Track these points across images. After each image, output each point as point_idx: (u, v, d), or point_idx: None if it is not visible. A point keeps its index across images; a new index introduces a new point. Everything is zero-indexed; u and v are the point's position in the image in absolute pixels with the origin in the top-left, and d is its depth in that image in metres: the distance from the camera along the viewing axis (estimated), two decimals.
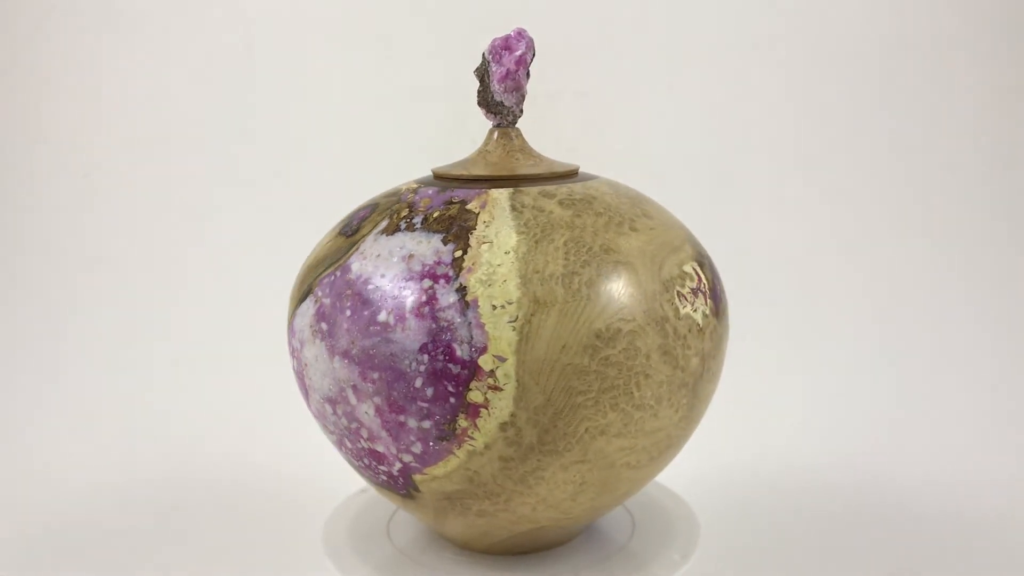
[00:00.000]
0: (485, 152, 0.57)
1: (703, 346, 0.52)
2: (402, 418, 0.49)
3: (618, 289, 0.49)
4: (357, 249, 0.52)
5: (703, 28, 0.99)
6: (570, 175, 0.57)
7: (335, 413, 0.52)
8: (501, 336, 0.47)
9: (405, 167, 0.61)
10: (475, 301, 0.48)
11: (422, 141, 0.91)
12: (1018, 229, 0.97)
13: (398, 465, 0.51)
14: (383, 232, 0.52)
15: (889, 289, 0.96)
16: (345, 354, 0.50)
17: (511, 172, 0.55)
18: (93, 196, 1.03)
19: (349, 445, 0.53)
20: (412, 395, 0.48)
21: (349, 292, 0.51)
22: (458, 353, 0.47)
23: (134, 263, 1.01)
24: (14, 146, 1.02)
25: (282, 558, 0.62)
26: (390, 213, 0.54)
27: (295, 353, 0.54)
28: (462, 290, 0.48)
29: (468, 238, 0.50)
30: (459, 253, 0.49)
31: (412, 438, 0.50)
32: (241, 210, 1.02)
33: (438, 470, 0.51)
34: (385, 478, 0.53)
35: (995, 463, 0.74)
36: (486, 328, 0.47)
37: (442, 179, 0.56)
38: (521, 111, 0.57)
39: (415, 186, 0.56)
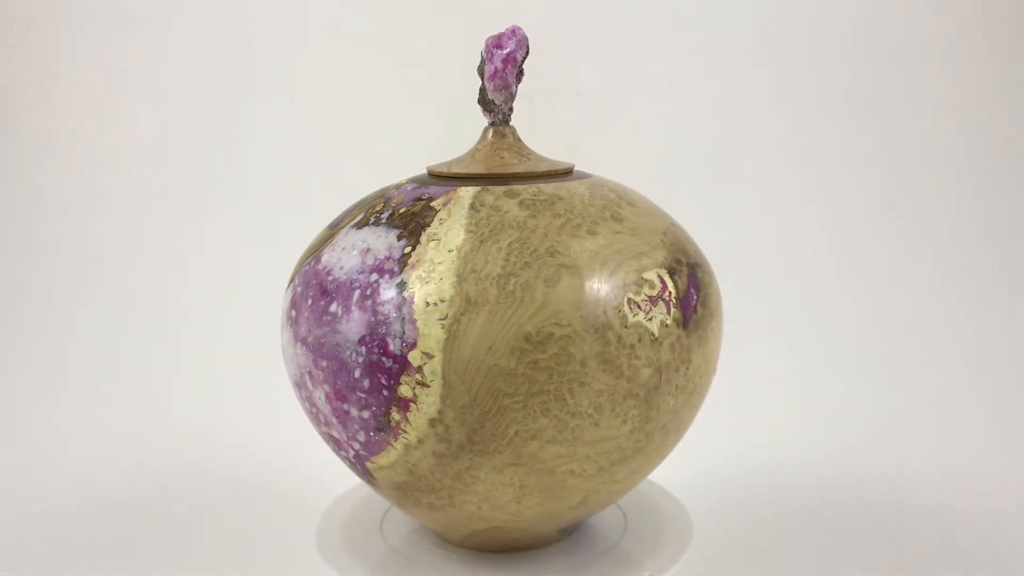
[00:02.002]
0: (475, 150, 0.58)
1: (658, 357, 0.50)
2: (346, 407, 0.51)
3: (555, 293, 0.48)
4: (331, 241, 0.55)
5: (704, 27, 0.98)
6: (555, 174, 0.56)
7: (300, 397, 0.55)
8: (430, 333, 0.48)
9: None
10: (411, 297, 0.48)
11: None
12: (1016, 227, 0.96)
13: (351, 452, 0.53)
14: (355, 226, 0.54)
15: (885, 289, 0.96)
16: (304, 341, 0.52)
17: (490, 170, 0.56)
18: (88, 193, 1.02)
19: (316, 428, 0.56)
20: (352, 385, 0.50)
21: (314, 282, 0.53)
22: (391, 347, 0.48)
23: (132, 260, 1.01)
24: (9, 143, 1.01)
25: (276, 555, 0.62)
26: (367, 208, 0.55)
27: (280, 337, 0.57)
28: (402, 285, 0.49)
29: (420, 235, 0.51)
30: (408, 249, 0.50)
31: (356, 427, 0.51)
32: (242, 205, 1.02)
33: (382, 460, 0.52)
34: (347, 463, 0.55)
35: (992, 461, 0.74)
36: (417, 324, 0.48)
37: (434, 176, 0.57)
38: (511, 109, 0.57)
39: (403, 183, 0.57)
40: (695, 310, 0.52)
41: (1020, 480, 0.71)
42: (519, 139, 0.58)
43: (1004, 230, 0.97)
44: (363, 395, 0.50)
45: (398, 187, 0.56)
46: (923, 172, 0.98)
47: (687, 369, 0.52)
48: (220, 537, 0.65)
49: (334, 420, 0.52)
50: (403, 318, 0.48)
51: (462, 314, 0.47)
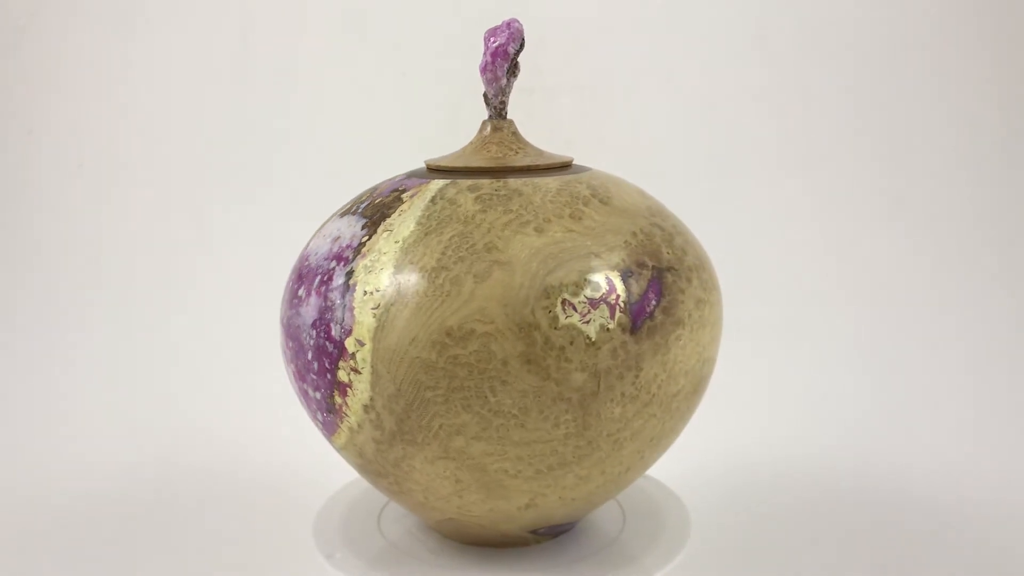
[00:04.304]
0: (470, 144, 0.58)
1: (595, 362, 0.48)
2: (304, 386, 0.53)
3: (483, 289, 0.47)
4: (321, 228, 0.57)
5: (705, 19, 0.97)
6: (539, 168, 0.55)
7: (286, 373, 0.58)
8: (363, 321, 0.49)
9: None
10: (354, 285, 0.50)
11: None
12: (1015, 222, 0.95)
13: (320, 429, 0.56)
14: (339, 214, 0.56)
15: (884, 284, 0.96)
16: (281, 321, 0.55)
17: (478, 164, 0.56)
18: (87, 187, 1.01)
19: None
20: (307, 366, 0.52)
21: (297, 267, 0.56)
22: (333, 332, 0.50)
23: (130, 253, 1.00)
24: (8, 137, 1.01)
25: (273, 551, 0.62)
26: (357, 198, 0.57)
27: None
28: (350, 274, 0.51)
29: (379, 225, 0.52)
30: (365, 239, 0.52)
31: (314, 406, 0.54)
32: (238, 200, 1.01)
33: (337, 441, 0.54)
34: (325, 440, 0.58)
35: (992, 456, 0.74)
36: (354, 312, 0.49)
37: (430, 170, 0.58)
38: (502, 103, 0.57)
39: (399, 176, 0.59)
40: (651, 316, 0.49)
41: (1020, 475, 0.71)
42: (515, 133, 0.58)
43: (1004, 225, 0.96)
44: (314, 376, 0.52)
45: (392, 180, 0.58)
46: (924, 166, 0.97)
47: (635, 377, 0.49)
48: (218, 532, 0.65)
49: (301, 398, 0.55)
50: (344, 305, 0.50)
51: (392, 304, 0.48)
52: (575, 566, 0.58)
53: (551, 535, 0.60)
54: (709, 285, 0.54)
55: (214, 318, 0.97)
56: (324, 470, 0.69)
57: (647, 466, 0.55)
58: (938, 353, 0.89)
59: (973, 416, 0.80)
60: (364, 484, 0.69)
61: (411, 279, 0.48)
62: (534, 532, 0.58)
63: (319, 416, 0.54)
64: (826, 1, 0.96)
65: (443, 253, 0.49)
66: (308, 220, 0.63)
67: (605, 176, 0.56)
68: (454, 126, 0.90)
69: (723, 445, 0.75)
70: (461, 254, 0.48)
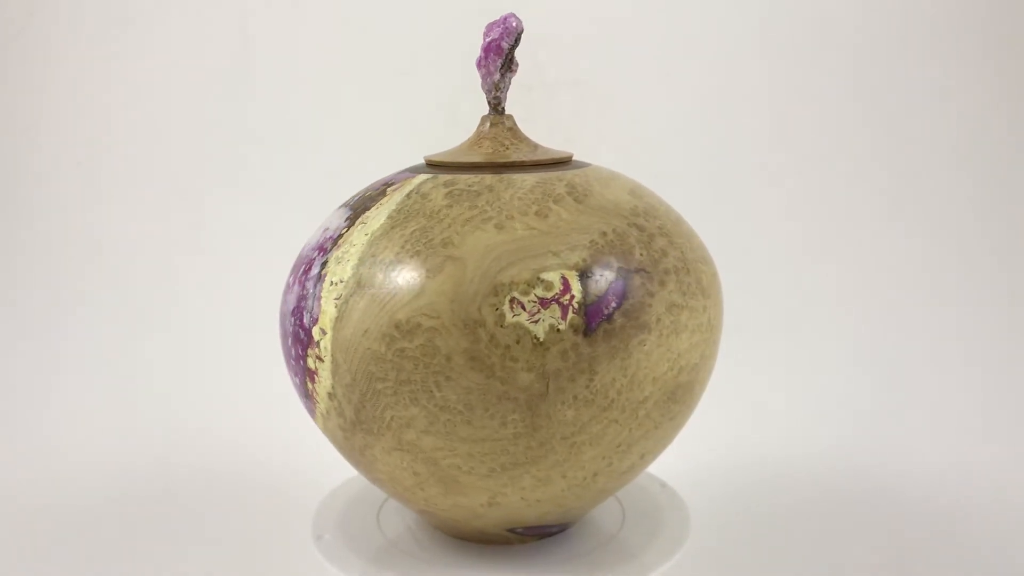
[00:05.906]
0: (467, 140, 0.58)
1: (543, 362, 0.47)
2: (288, 371, 0.56)
3: (433, 284, 0.48)
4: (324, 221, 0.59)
5: (705, 15, 0.96)
6: (526, 164, 0.55)
7: None
8: (327, 311, 0.50)
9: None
10: (325, 275, 0.51)
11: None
12: (1015, 225, 0.94)
13: (306, 413, 0.58)
14: (339, 206, 0.58)
15: (885, 284, 0.95)
16: (279, 307, 0.58)
17: (471, 160, 0.56)
18: (86, 184, 1.00)
19: None
20: (288, 352, 0.54)
21: (298, 255, 0.58)
22: (304, 320, 0.52)
23: (128, 251, 0.99)
24: (5, 135, 1.00)
25: (273, 550, 0.62)
26: (356, 192, 0.59)
27: None
28: (324, 264, 0.52)
29: (358, 218, 0.53)
30: (344, 231, 0.53)
31: (296, 391, 0.56)
32: (237, 198, 1.00)
33: (318, 424, 0.56)
34: None
35: (990, 456, 0.74)
36: (321, 302, 0.51)
37: (429, 165, 0.59)
38: (496, 98, 0.57)
39: (400, 170, 0.60)
40: (610, 319, 0.48)
41: (1019, 475, 0.71)
42: (512, 128, 0.57)
43: (1004, 225, 0.95)
44: (292, 362, 0.54)
45: (391, 174, 0.59)
46: (924, 166, 0.96)
47: (589, 381, 0.48)
48: (218, 532, 0.65)
49: (289, 382, 0.57)
50: (315, 295, 0.51)
51: (351, 295, 0.49)
52: (574, 563, 0.58)
53: (535, 536, 0.59)
54: (692, 290, 0.52)
55: (214, 318, 0.96)
56: (324, 469, 0.70)
57: (623, 472, 0.54)
58: (938, 353, 0.89)
59: (973, 416, 0.80)
60: (363, 482, 0.69)
61: (370, 271, 0.49)
62: (512, 531, 0.57)
63: (301, 401, 0.56)
64: (827, 1, 0.95)
65: (402, 247, 0.49)
66: (309, 219, 0.65)
67: (597, 173, 0.55)
68: (464, 121, 0.89)
69: (723, 445, 0.76)
70: (418, 248, 0.49)
